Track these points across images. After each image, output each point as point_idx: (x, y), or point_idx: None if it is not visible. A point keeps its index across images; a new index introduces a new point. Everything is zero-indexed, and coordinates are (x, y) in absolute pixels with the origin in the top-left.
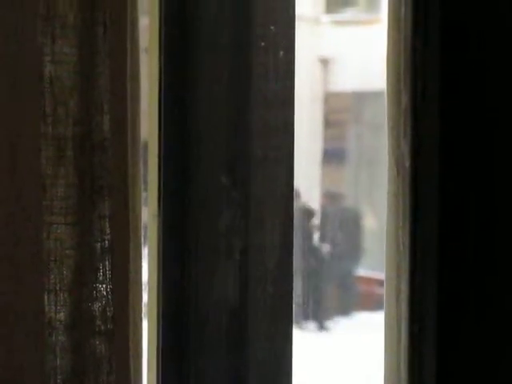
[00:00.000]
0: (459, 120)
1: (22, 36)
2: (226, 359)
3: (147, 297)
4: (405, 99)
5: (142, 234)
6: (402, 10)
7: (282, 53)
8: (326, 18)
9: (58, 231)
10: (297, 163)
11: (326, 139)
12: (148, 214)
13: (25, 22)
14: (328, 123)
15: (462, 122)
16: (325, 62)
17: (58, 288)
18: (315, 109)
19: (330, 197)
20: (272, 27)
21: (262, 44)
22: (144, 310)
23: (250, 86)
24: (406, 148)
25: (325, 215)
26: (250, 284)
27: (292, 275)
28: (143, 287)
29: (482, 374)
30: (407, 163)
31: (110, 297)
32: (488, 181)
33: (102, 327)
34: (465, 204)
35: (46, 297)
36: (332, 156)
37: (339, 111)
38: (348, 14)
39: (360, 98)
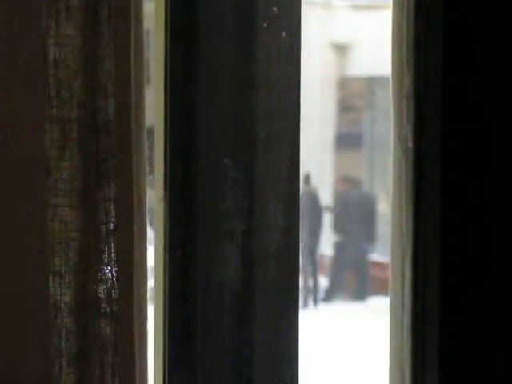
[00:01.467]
0: (462, 102)
1: (26, 18)
2: (231, 341)
3: (154, 280)
4: (408, 82)
5: (148, 216)
6: None
7: (285, 34)
8: (340, 3)
9: (63, 213)
10: (310, 148)
11: (341, 124)
12: (154, 198)
13: (29, 5)
14: (342, 108)
15: (464, 104)
16: (339, 48)
17: (63, 270)
18: (329, 94)
19: (345, 181)
20: (275, 8)
21: (265, 25)
22: (150, 293)
23: (253, 68)
24: (409, 130)
25: (339, 200)
26: (255, 265)
27: (298, 257)
28: (149, 271)
29: (485, 356)
30: (410, 144)
31: (114, 279)
32: (491, 163)
33: (108, 309)
34: (468, 186)
35: (51, 279)
36: (347, 141)
37: (354, 96)
38: None
39: (375, 83)
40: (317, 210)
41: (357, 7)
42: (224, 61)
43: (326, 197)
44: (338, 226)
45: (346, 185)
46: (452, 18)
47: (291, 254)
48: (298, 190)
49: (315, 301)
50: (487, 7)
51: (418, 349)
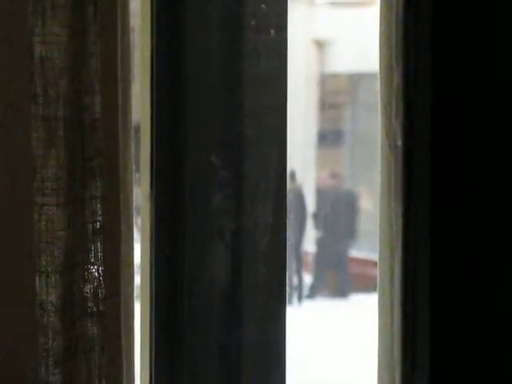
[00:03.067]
0: (452, 99)
1: (12, 16)
2: (219, 340)
3: (140, 278)
4: (397, 79)
5: (134, 215)
6: None
7: (273, 32)
8: (321, 0)
9: (50, 212)
10: (293, 145)
11: (323, 121)
12: (140, 195)
13: (15, 3)
14: (324, 105)
15: (454, 100)
16: (320, 44)
17: (49, 270)
18: (311, 91)
19: (329, 178)
20: (263, 5)
21: (253, 23)
22: (137, 292)
23: (241, 65)
24: (398, 127)
25: (321, 196)
26: (243, 264)
27: (285, 255)
28: (135, 269)
29: (476, 355)
30: (399, 142)
31: (101, 278)
32: (480, 160)
33: (94, 309)
34: (457, 184)
35: (37, 278)
36: (328, 138)
37: (335, 93)
38: None
39: (356, 80)
40: (302, 207)
41: (338, 4)
42: (211, 58)
43: (309, 194)
44: (320, 223)
45: (330, 182)
46: (441, 14)
47: (279, 252)
48: (286, 188)
49: (300, 298)
50: (475, 2)
51: (408, 349)
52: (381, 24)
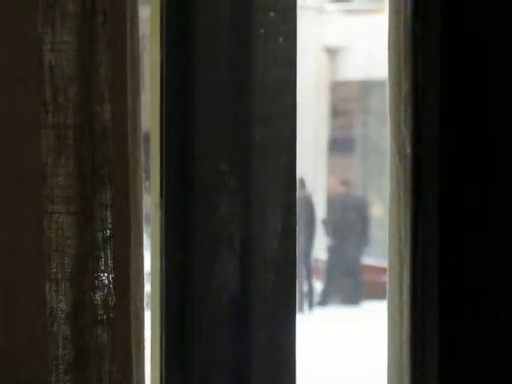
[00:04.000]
0: (460, 107)
1: (22, 25)
2: (229, 347)
3: (150, 286)
4: (405, 86)
5: (144, 223)
6: None
7: (282, 39)
8: (332, 8)
9: (60, 220)
10: (304, 152)
11: (334, 128)
12: (151, 204)
13: (25, 12)
14: (335, 112)
15: (463, 109)
16: (331, 52)
17: (59, 277)
18: (322, 98)
19: (339, 185)
20: (272, 13)
21: (262, 31)
22: (147, 299)
23: (250, 72)
24: (406, 135)
25: (332, 204)
26: (252, 272)
27: (295, 263)
28: (145, 277)
29: (484, 360)
30: (408, 150)
31: (111, 286)
32: (489, 167)
33: (104, 316)
34: (466, 191)
35: (47, 286)
36: (340, 145)
37: (346, 100)
38: (355, 3)
39: (367, 87)
40: (311, 214)
41: (349, 12)
42: (220, 66)
43: (320, 201)
44: (330, 230)
45: (341, 189)
46: (449, 21)
47: (289, 259)
48: (295, 195)
49: (310, 305)
50: (484, 10)
51: (417, 354)
52: (389, 32)
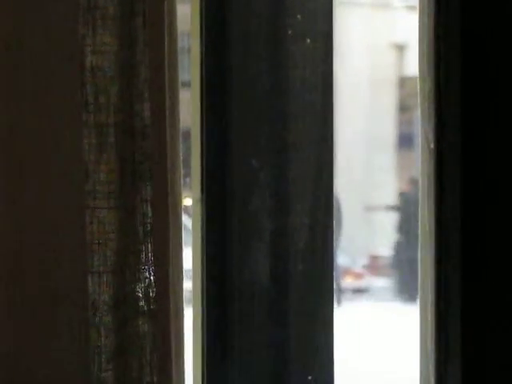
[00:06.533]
0: (481, 105)
1: (63, 27)
2: (268, 338)
3: (192, 280)
4: (429, 84)
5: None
6: None
7: (319, 39)
8: (399, 3)
9: (101, 215)
10: (371, 149)
11: (401, 124)
12: (192, 200)
13: (66, 14)
14: (403, 108)
15: (483, 107)
16: (399, 48)
17: (101, 270)
18: (390, 94)
19: (407, 182)
20: (306, 13)
21: (295, 31)
22: (189, 294)
23: (285, 73)
24: (430, 131)
25: (403, 201)
26: (290, 264)
27: (333, 256)
28: (187, 272)
29: (506, 350)
30: (432, 146)
31: (152, 278)
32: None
33: (145, 307)
34: (488, 186)
35: (90, 279)
36: (406, 141)
37: (414, 96)
38: None
39: None
40: (337, 211)
41: (415, 8)
42: (257, 65)
43: (389, 197)
44: (399, 227)
45: (408, 186)
46: (470, 22)
47: (326, 252)
48: (332, 189)
49: (338, 300)
50: (505, 12)
51: (441, 339)
52: (419, 31)
